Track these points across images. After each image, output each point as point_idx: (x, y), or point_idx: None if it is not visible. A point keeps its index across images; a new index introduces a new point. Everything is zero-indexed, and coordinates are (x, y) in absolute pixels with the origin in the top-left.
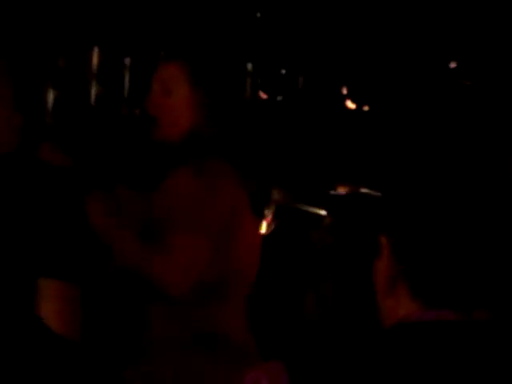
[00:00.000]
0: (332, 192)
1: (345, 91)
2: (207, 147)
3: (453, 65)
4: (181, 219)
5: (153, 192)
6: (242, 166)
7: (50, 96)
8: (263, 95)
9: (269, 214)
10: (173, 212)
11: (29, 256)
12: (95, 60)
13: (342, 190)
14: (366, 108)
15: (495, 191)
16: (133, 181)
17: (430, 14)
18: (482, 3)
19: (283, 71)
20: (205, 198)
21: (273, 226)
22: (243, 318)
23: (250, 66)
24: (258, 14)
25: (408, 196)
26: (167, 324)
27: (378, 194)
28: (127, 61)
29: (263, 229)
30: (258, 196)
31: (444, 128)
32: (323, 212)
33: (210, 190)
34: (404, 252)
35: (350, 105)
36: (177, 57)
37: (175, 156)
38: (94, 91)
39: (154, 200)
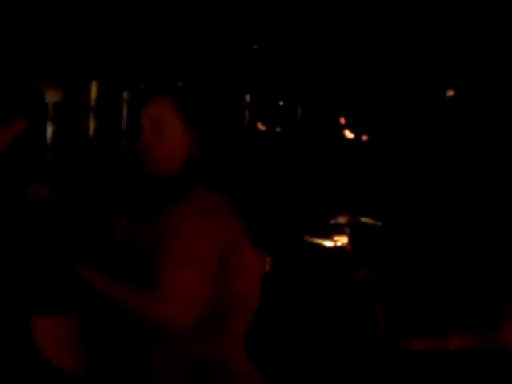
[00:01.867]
0: (332, 221)
1: (343, 121)
2: (205, 181)
3: (450, 93)
4: (180, 256)
5: (149, 227)
6: (241, 199)
7: (49, 130)
8: (261, 126)
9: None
10: (171, 249)
11: (17, 293)
12: (93, 94)
13: (342, 220)
14: (364, 137)
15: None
16: (131, 214)
17: (427, 43)
18: (478, 32)
19: (281, 102)
20: (203, 234)
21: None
22: (243, 346)
23: (248, 97)
24: (255, 46)
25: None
26: (167, 351)
27: (379, 223)
28: (125, 94)
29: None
30: (258, 228)
31: (441, 157)
32: (327, 243)
33: (209, 226)
34: None
35: (349, 135)
36: (167, 92)
37: (172, 191)
38: (92, 125)
39: (151, 235)
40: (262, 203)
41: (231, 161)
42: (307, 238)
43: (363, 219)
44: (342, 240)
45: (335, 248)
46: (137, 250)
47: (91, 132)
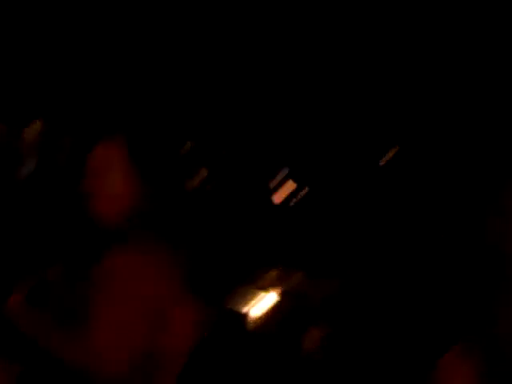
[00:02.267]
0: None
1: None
2: (146, 225)
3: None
4: (108, 302)
5: (86, 271)
6: (183, 245)
7: None
8: (201, 173)
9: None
10: (101, 293)
11: None
12: (34, 135)
13: (273, 274)
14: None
15: None
16: (67, 259)
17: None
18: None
19: (223, 151)
20: (131, 285)
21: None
22: None
23: (188, 144)
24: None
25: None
26: None
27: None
28: (66, 136)
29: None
30: (197, 279)
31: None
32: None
33: (138, 276)
34: None
35: (289, 186)
36: (115, 133)
37: (112, 235)
38: (30, 166)
39: (87, 280)
40: (200, 252)
41: (174, 205)
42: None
43: (296, 274)
44: (272, 295)
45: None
46: (73, 296)
47: (29, 174)
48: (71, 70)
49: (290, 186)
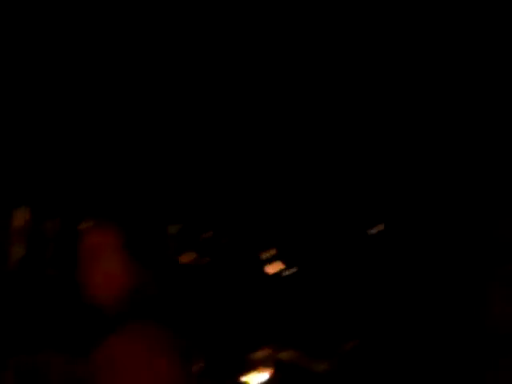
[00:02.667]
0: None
1: (268, 254)
2: (138, 311)
3: (376, 230)
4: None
5: (84, 357)
6: (177, 330)
7: None
8: (186, 258)
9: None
10: (106, 380)
11: None
12: (20, 220)
13: (261, 354)
14: (289, 271)
15: None
16: (61, 344)
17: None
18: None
19: (208, 234)
20: (130, 371)
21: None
22: None
23: (173, 228)
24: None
25: None
26: None
27: (301, 357)
28: (52, 222)
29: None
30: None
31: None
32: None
33: (135, 363)
34: None
35: (275, 267)
36: (106, 222)
37: (108, 321)
38: (17, 251)
39: (87, 366)
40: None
41: (165, 291)
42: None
43: (284, 354)
44: (261, 375)
45: None
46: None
47: (16, 259)
48: (60, 157)
49: (279, 264)
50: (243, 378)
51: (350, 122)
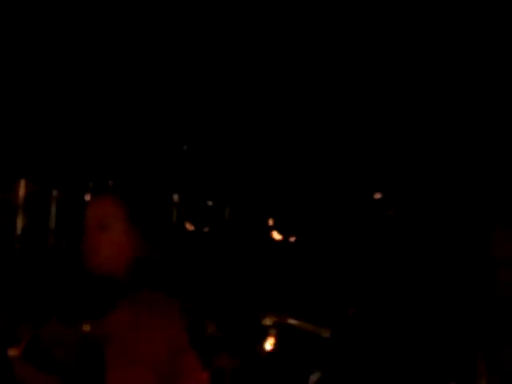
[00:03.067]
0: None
1: (271, 222)
2: (145, 281)
3: (377, 196)
4: (129, 355)
5: (90, 325)
6: (180, 299)
7: None
8: (190, 226)
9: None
10: (121, 347)
11: None
12: (22, 192)
13: (268, 321)
14: (292, 239)
15: None
16: (67, 313)
17: (353, 146)
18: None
19: (210, 203)
20: (153, 335)
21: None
22: None
23: (176, 197)
24: (185, 147)
25: None
26: None
27: (306, 325)
28: (54, 193)
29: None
30: (195, 331)
31: (369, 260)
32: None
33: (148, 328)
34: None
35: (277, 236)
36: (110, 191)
37: (114, 290)
38: (20, 222)
39: (91, 334)
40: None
41: (170, 260)
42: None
43: (290, 321)
44: (268, 341)
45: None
46: (69, 350)
47: (19, 229)
48: (52, 132)
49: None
50: (253, 344)
51: (345, 123)
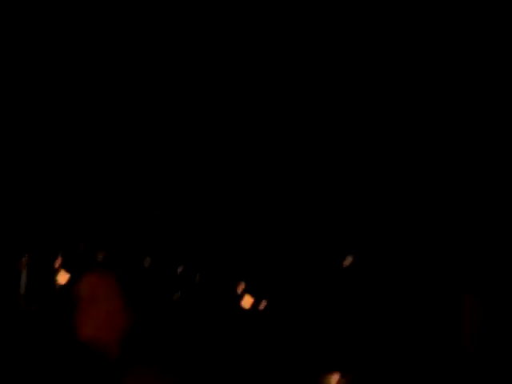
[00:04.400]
0: None
1: (241, 287)
2: (137, 353)
3: (348, 261)
4: None
5: None
6: (173, 368)
7: None
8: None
9: None
10: None
11: None
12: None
13: None
14: (262, 304)
15: None
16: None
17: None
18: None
19: (180, 269)
20: None
21: None
22: None
23: (147, 261)
24: (156, 212)
25: None
26: None
27: None
28: (24, 259)
29: None
30: None
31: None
32: None
33: None
34: None
35: (247, 301)
36: (101, 264)
37: (107, 364)
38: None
39: None
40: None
41: (161, 330)
42: None
43: None
44: None
45: None
46: None
47: None
48: (21, 199)
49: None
50: None
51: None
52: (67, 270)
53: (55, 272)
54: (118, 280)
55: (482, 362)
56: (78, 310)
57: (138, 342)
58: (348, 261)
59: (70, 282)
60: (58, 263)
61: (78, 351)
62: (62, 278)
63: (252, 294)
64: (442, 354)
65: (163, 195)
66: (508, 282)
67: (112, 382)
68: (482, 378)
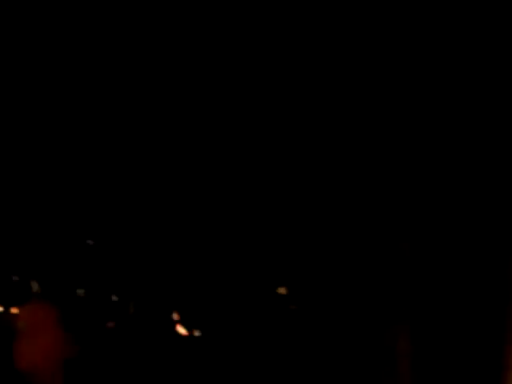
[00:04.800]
0: None
1: (176, 317)
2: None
3: (282, 291)
4: None
5: None
6: None
7: None
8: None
9: None
10: None
11: None
12: None
13: None
14: (196, 333)
15: None
16: None
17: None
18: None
19: (114, 298)
20: None
21: None
22: None
23: (81, 292)
24: (90, 242)
25: None
26: None
27: None
28: None
29: None
30: None
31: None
32: None
33: None
34: None
35: (182, 330)
36: (39, 297)
37: None
38: None
39: None
40: None
41: (100, 357)
42: None
43: None
44: None
45: None
46: None
47: None
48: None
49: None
50: None
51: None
52: (0, 302)
53: None
54: (55, 310)
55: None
56: (16, 340)
57: (77, 372)
58: (281, 291)
59: (3, 313)
60: None
61: (18, 382)
62: None
63: (185, 325)
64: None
65: (97, 222)
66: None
67: None
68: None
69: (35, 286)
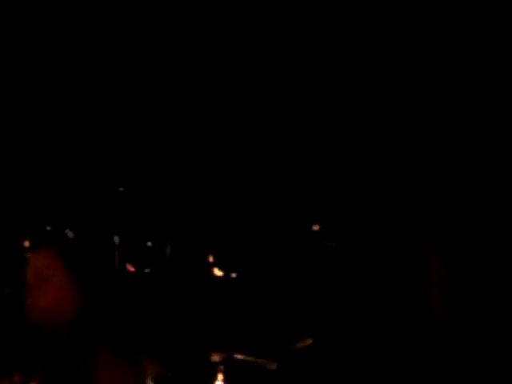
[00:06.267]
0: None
1: (211, 259)
2: (88, 333)
3: (316, 227)
4: None
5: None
6: (126, 350)
7: None
8: (131, 268)
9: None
10: None
11: None
12: None
13: (216, 358)
14: (233, 275)
15: None
16: (3, 364)
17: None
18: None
19: (149, 243)
20: None
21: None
22: None
23: (116, 239)
24: (121, 188)
25: None
26: None
27: (252, 359)
28: None
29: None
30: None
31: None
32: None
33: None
34: None
35: (218, 272)
36: (50, 242)
37: (60, 344)
38: None
39: None
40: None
41: (113, 307)
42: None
43: (238, 356)
44: (218, 378)
45: None
46: None
47: None
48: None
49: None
50: (203, 381)
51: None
52: (14, 250)
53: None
54: (66, 259)
55: (453, 324)
56: (27, 290)
57: (90, 324)
58: (315, 227)
59: (17, 262)
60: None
61: (29, 333)
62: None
63: (221, 267)
64: (410, 318)
65: (127, 171)
66: (473, 237)
67: (64, 364)
68: (453, 341)
69: (70, 235)
